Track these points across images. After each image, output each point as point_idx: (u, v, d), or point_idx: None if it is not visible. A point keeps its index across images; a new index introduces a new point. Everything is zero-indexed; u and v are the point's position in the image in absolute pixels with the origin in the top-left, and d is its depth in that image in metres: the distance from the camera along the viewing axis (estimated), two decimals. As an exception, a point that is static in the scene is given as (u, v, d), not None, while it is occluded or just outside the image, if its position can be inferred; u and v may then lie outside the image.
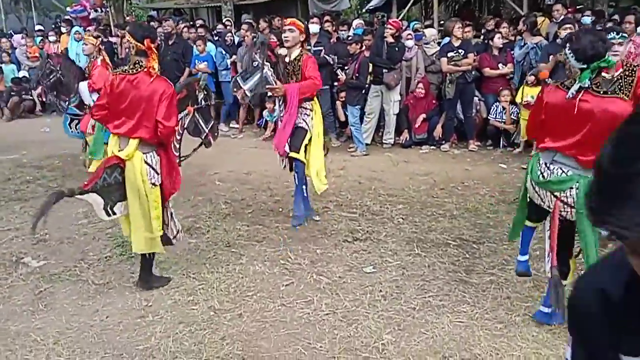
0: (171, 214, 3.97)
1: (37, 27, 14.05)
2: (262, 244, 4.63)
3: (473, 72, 7.66)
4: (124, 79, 3.64)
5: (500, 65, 7.82)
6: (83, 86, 6.25)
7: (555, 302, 2.96)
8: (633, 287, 0.80)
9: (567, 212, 3.06)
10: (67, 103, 6.42)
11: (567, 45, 3.00)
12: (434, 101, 8.05)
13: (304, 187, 5.02)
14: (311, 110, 4.92)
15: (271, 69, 4.89)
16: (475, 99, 7.97)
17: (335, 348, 3.16)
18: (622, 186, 0.64)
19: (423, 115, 7.91)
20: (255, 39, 8.67)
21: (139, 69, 3.64)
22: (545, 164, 3.11)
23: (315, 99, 4.99)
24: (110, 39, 11.15)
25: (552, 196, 3.09)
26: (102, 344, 3.29)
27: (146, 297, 3.79)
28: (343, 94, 8.17)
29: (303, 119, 4.87)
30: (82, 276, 4.17)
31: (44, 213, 3.39)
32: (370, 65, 7.79)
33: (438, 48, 8.09)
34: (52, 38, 11.86)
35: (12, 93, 11.28)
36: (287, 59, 4.91)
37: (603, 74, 3.03)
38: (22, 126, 10.57)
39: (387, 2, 12.00)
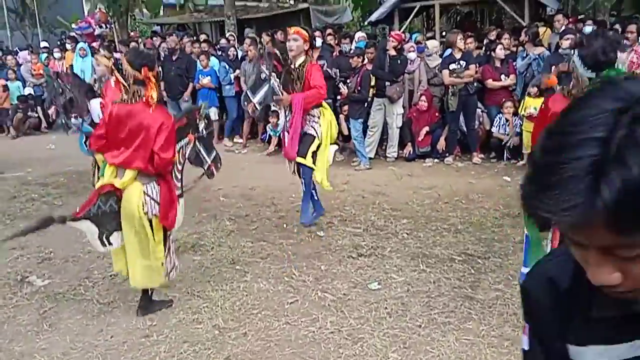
0: (170, 248, 3.84)
1: (43, 44, 14.18)
2: (266, 261, 4.62)
3: (475, 84, 7.66)
4: (122, 109, 3.59)
5: (502, 76, 7.81)
6: (95, 103, 6.23)
7: None
8: (578, 278, 0.82)
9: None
10: (81, 122, 6.41)
11: (575, 50, 2.82)
12: (436, 114, 8.03)
13: (312, 191, 5.17)
14: (319, 117, 4.95)
15: (277, 79, 4.93)
16: (478, 110, 7.95)
17: (340, 367, 3.14)
18: (549, 174, 0.67)
19: (426, 128, 7.89)
20: (261, 51, 8.71)
21: (138, 99, 3.57)
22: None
23: (324, 103, 5.02)
24: (115, 55, 11.24)
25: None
26: (107, 365, 3.29)
27: (150, 317, 3.77)
28: (345, 108, 8.17)
29: (311, 126, 4.91)
30: (86, 295, 4.17)
31: (24, 234, 3.39)
32: (373, 78, 7.80)
33: (440, 60, 8.09)
34: (57, 55, 11.97)
35: (18, 110, 11.34)
36: (292, 66, 4.97)
37: None
38: (27, 143, 10.64)
39: (389, 14, 12.05)
